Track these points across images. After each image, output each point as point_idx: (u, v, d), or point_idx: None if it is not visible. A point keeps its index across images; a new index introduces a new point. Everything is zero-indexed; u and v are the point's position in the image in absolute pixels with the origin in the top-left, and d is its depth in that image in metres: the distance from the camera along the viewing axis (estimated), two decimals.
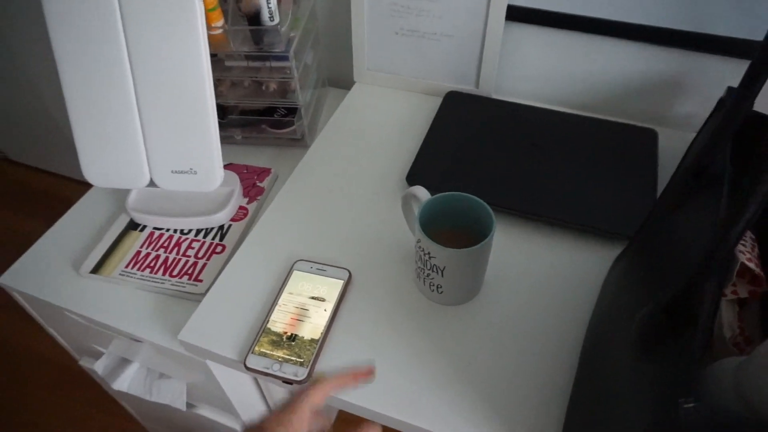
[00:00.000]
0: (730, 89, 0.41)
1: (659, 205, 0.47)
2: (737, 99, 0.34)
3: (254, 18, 0.66)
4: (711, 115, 0.46)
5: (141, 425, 1.05)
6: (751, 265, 0.41)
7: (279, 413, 0.43)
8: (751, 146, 0.40)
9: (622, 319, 0.42)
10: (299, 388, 0.45)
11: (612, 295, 0.50)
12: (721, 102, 0.44)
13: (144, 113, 0.61)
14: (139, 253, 0.65)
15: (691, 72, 0.72)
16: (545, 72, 0.80)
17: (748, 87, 0.34)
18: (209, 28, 0.65)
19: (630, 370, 0.37)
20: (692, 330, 0.32)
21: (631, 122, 0.74)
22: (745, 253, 0.42)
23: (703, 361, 0.36)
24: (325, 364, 0.52)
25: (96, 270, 0.64)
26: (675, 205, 0.44)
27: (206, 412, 0.75)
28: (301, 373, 0.50)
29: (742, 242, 0.43)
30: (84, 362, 0.76)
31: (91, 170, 0.65)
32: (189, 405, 0.74)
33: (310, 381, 0.47)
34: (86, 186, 0.73)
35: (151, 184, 0.65)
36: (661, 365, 0.34)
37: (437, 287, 0.55)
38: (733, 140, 0.42)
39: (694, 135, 0.46)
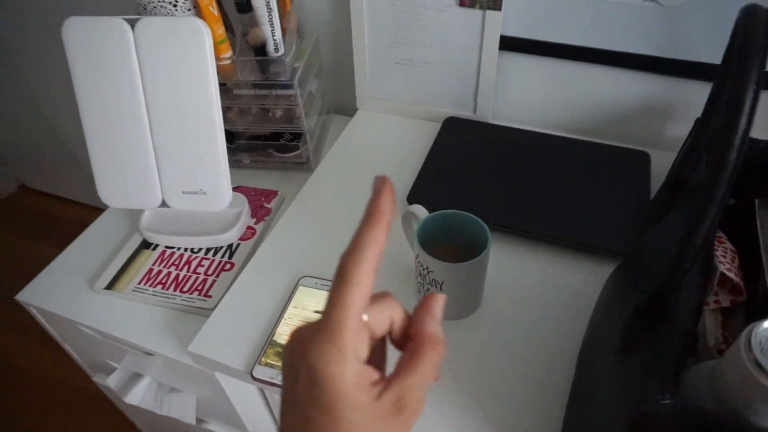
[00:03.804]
0: None
1: (643, 220, 0.50)
2: (704, 117, 0.37)
3: (260, 49, 0.71)
4: (689, 134, 0.49)
5: None
6: (731, 274, 0.43)
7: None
8: None
9: (609, 328, 0.45)
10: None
11: (602, 308, 0.52)
12: (697, 121, 0.47)
13: (157, 139, 0.65)
14: (151, 270, 0.68)
15: (679, 97, 0.75)
16: (540, 98, 0.83)
17: (712, 106, 0.37)
18: (218, 58, 0.69)
19: (614, 373, 0.39)
20: (666, 332, 0.34)
21: (625, 145, 0.77)
22: (725, 264, 0.44)
23: (687, 365, 0.38)
24: None
25: (110, 286, 0.66)
26: (656, 218, 0.46)
27: (215, 426, 0.76)
28: None
29: (723, 254, 0.45)
30: (97, 378, 0.78)
31: (106, 192, 0.68)
32: (198, 420, 0.76)
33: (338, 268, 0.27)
34: (99, 211, 0.77)
35: (163, 204, 0.68)
36: (639, 366, 0.36)
37: None
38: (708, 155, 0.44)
39: None
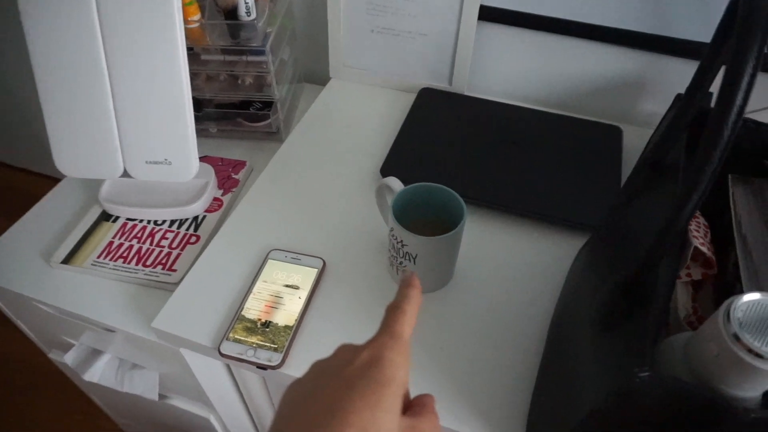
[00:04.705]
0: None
1: (620, 195, 0.50)
2: (688, 95, 0.37)
3: (231, 13, 0.67)
4: (668, 111, 0.48)
5: (113, 422, 1.03)
6: (704, 249, 0.43)
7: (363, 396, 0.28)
8: None
9: (584, 302, 0.44)
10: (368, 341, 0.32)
11: (576, 281, 0.52)
12: (678, 98, 0.47)
13: (119, 104, 0.61)
14: (111, 243, 0.65)
15: (654, 72, 0.76)
16: (516, 70, 0.82)
17: (698, 84, 0.36)
18: (186, 21, 0.66)
19: (591, 348, 0.39)
20: (646, 307, 0.34)
21: (598, 119, 0.77)
22: (699, 238, 0.44)
23: (660, 338, 0.38)
24: (299, 349, 0.53)
25: (67, 260, 0.63)
26: (634, 194, 0.46)
27: (179, 402, 0.74)
28: (275, 359, 0.51)
29: (696, 228, 0.45)
30: (53, 355, 0.75)
31: (63, 160, 0.64)
32: (161, 396, 0.74)
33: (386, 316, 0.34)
34: (53, 181, 0.72)
35: (125, 174, 0.65)
36: (618, 341, 0.36)
37: None
38: (688, 133, 0.44)
39: None
